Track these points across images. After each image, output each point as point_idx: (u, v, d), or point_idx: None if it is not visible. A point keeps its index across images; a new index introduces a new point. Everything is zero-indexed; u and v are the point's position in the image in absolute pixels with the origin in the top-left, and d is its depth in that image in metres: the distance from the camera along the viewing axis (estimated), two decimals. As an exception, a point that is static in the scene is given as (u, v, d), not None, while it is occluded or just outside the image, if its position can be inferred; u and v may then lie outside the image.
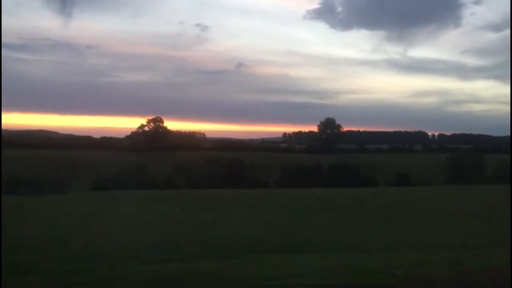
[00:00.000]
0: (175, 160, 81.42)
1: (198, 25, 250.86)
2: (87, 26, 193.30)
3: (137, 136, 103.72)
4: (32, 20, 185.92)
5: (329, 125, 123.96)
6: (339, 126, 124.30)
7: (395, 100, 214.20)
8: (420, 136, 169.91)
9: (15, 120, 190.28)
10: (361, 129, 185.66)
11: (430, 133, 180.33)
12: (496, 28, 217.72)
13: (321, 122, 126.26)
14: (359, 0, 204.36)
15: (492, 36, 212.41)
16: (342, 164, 65.92)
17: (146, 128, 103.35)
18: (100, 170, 74.18)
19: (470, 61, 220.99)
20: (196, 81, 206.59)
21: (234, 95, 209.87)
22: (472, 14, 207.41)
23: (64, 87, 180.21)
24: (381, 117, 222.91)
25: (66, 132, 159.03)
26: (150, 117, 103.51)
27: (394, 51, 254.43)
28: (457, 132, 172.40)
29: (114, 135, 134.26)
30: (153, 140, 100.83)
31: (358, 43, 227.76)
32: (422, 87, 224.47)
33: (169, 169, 72.82)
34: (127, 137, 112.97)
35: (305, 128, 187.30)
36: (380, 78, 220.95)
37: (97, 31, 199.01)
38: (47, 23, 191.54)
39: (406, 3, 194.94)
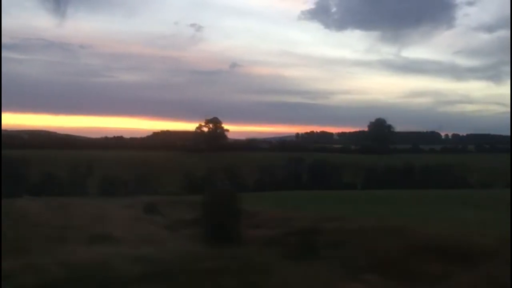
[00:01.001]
0: (248, 161, 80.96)
1: (192, 25, 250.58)
2: (81, 26, 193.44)
3: (196, 137, 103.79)
4: (25, 19, 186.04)
5: (379, 125, 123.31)
6: (390, 126, 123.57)
7: (388, 101, 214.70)
8: (433, 137, 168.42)
9: (7, 120, 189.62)
10: (356, 130, 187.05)
11: (443, 134, 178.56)
12: (489, 29, 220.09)
13: (371, 123, 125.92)
14: (354, 1, 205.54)
15: (485, 37, 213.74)
16: (435, 165, 65.47)
17: (205, 129, 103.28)
18: (176, 171, 74.14)
19: (463, 61, 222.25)
20: (190, 81, 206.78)
21: (228, 95, 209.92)
22: (466, 15, 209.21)
23: (57, 87, 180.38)
24: (374, 117, 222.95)
25: (63, 133, 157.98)
26: (208, 118, 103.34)
27: (388, 51, 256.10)
28: (472, 132, 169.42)
29: (114, 135, 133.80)
30: (212, 140, 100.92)
31: (353, 44, 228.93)
32: (415, 88, 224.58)
33: (248, 169, 72.21)
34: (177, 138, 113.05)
35: (306, 129, 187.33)
36: (374, 79, 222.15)
37: (91, 31, 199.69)
38: (40, 22, 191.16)
39: (400, 4, 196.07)
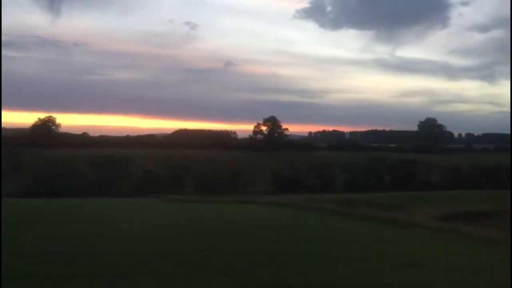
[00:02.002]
0: (320, 160, 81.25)
1: (187, 23, 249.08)
2: (75, 24, 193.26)
3: (255, 136, 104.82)
4: (19, 16, 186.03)
5: (430, 125, 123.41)
6: (441, 126, 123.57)
7: (382, 100, 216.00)
8: (446, 136, 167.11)
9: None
10: (350, 129, 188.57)
11: (455, 133, 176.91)
12: (483, 29, 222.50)
13: (421, 122, 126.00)
14: (349, 0, 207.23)
15: (479, 36, 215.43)
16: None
17: (263, 128, 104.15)
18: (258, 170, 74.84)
19: (457, 61, 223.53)
20: (184, 80, 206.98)
21: (222, 94, 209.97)
22: (460, 15, 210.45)
23: (50, 84, 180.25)
24: (368, 116, 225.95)
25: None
26: (266, 118, 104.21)
27: (382, 51, 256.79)
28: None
29: (112, 134, 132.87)
30: (272, 140, 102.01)
31: (347, 43, 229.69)
32: (409, 87, 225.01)
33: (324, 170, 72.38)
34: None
35: (304, 128, 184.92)
36: (368, 78, 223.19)
37: (85, 29, 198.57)
38: (34, 20, 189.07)
39: (395, 4, 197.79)
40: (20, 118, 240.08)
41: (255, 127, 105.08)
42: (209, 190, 56.58)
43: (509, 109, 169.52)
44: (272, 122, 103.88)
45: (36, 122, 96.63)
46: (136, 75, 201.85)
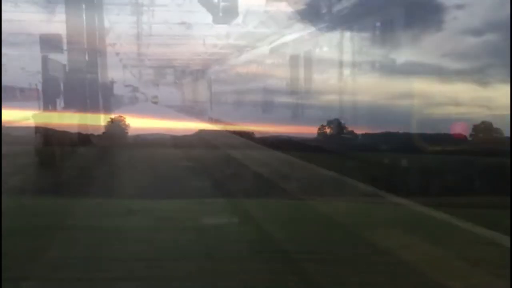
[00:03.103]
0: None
1: (183, 23, 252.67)
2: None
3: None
4: (15, 13, 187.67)
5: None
6: (497, 130, 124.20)
7: (378, 102, 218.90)
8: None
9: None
10: (379, 131, 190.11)
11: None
12: (477, 33, 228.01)
13: (475, 126, 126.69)
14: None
15: (472, 40, 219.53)
16: None
17: (327, 130, 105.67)
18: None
19: (451, 64, 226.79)
20: (180, 79, 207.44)
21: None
22: (454, 19, 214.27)
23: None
24: (363, 118, 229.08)
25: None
26: (330, 120, 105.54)
27: (377, 53, 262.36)
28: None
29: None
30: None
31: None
32: (403, 90, 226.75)
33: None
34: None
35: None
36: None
37: None
38: (30, 17, 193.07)
39: (390, 6, 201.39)
40: (12, 115, 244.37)
41: (319, 129, 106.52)
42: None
43: (500, 112, 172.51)
44: (336, 124, 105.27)
45: (108, 122, 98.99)
46: (131, 75, 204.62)
